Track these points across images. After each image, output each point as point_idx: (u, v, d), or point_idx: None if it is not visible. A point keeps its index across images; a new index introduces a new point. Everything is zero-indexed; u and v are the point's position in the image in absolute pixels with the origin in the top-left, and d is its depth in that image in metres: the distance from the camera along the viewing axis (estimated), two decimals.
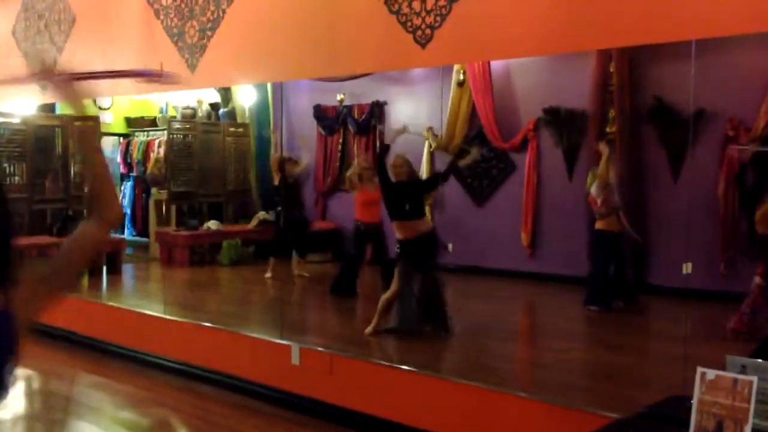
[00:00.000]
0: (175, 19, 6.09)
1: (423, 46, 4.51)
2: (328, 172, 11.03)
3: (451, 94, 9.36)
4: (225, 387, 5.71)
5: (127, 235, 12.02)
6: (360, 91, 10.21)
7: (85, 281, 8.88)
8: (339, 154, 10.91)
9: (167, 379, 6.06)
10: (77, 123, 1.73)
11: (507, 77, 9.12)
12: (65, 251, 1.65)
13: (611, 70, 8.08)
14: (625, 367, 5.48)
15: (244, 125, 11.69)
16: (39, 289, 1.57)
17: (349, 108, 10.66)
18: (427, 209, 7.74)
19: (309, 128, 11.08)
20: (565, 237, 8.49)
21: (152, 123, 12.30)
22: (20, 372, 6.30)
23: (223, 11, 5.73)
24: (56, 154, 10.02)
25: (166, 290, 8.70)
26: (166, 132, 11.22)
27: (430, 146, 9.58)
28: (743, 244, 7.16)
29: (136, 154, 12.12)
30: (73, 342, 7.14)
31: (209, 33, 5.83)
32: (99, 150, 1.82)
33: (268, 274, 8.88)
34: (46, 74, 1.70)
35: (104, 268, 9.27)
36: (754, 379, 2.07)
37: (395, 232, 6.16)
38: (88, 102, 1.77)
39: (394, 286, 6.08)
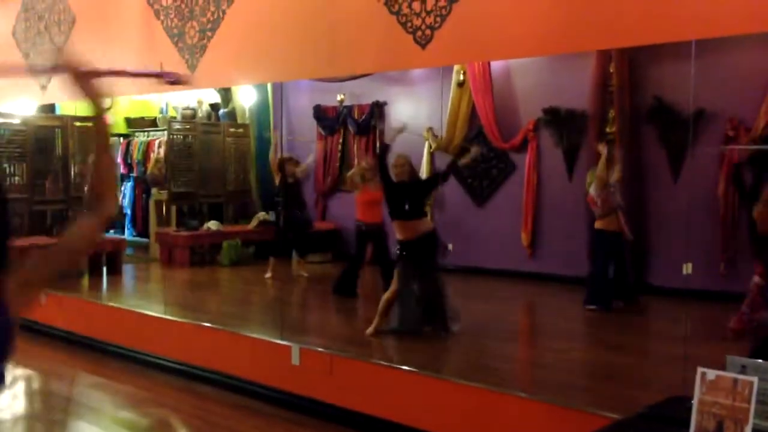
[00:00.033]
0: (175, 20, 6.09)
1: (423, 46, 4.51)
2: (328, 173, 11.03)
3: (451, 95, 9.36)
4: (225, 387, 5.71)
5: (128, 235, 12.03)
6: (360, 91, 10.22)
7: (86, 281, 8.89)
8: (339, 155, 10.91)
9: (167, 380, 6.06)
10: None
11: (507, 77, 9.12)
12: (64, 242, 1.67)
13: (611, 70, 8.08)
14: (625, 367, 5.48)
15: (244, 126, 11.70)
16: (31, 279, 1.58)
17: (349, 108, 10.66)
18: (428, 209, 7.75)
19: (309, 129, 11.08)
20: (565, 237, 8.49)
21: (152, 123, 12.31)
22: (20, 372, 6.31)
23: (223, 12, 5.73)
24: (56, 154, 10.01)
25: (166, 291, 8.70)
26: (166, 132, 11.23)
27: (430, 147, 9.58)
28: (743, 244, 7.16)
29: (136, 155, 12.13)
30: (73, 342, 7.14)
31: (209, 33, 5.83)
32: (107, 149, 1.82)
33: (268, 275, 8.88)
34: (69, 68, 1.69)
35: (104, 269, 9.27)
36: (755, 379, 2.07)
37: (395, 233, 6.17)
38: (105, 100, 1.77)
39: (393, 286, 6.08)
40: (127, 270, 10.05)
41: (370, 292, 7.73)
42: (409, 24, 4.56)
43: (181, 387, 5.87)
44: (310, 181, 10.96)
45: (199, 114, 11.75)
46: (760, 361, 2.23)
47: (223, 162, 11.39)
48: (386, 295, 6.11)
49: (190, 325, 6.36)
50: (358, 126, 10.57)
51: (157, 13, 6.25)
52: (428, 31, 4.47)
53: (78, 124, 10.08)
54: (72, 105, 10.38)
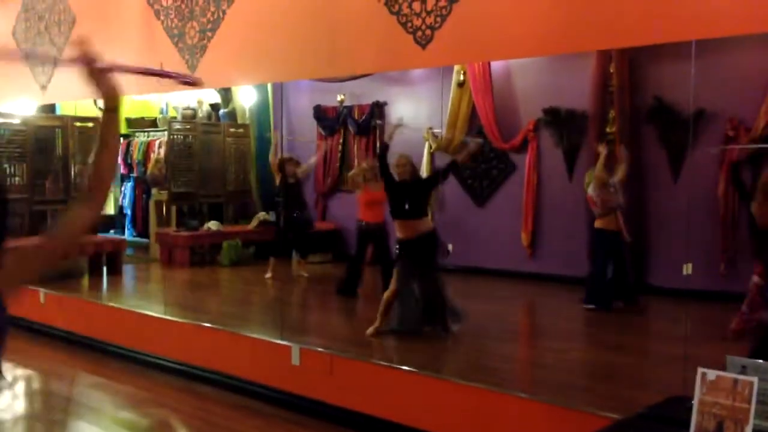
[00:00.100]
0: (176, 20, 6.09)
1: (423, 46, 4.51)
2: (328, 173, 11.03)
3: (451, 95, 9.36)
4: (225, 387, 5.71)
5: (128, 235, 12.03)
6: (360, 91, 10.22)
7: (86, 282, 8.89)
8: (339, 155, 10.91)
9: (167, 380, 6.06)
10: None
11: (507, 78, 9.12)
12: (57, 230, 1.68)
13: (611, 70, 8.08)
14: (625, 367, 5.48)
15: (244, 126, 11.70)
16: (23, 263, 1.59)
17: (350, 108, 10.66)
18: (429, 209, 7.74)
19: (309, 129, 11.08)
20: (565, 237, 8.50)
21: (153, 123, 12.31)
22: (20, 372, 6.30)
23: (224, 12, 5.73)
24: (56, 155, 10.01)
25: (166, 291, 8.69)
26: (166, 132, 11.23)
27: (431, 147, 9.58)
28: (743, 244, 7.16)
29: (136, 155, 12.13)
30: (73, 342, 7.14)
31: (209, 34, 5.82)
32: (110, 146, 1.82)
33: (268, 275, 8.89)
34: (86, 61, 1.68)
35: (104, 269, 9.27)
36: (755, 379, 2.07)
37: (396, 232, 6.17)
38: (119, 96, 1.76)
39: (392, 285, 6.08)
40: (127, 270, 10.05)
41: (371, 292, 7.73)
42: (409, 24, 4.56)
43: (181, 387, 5.87)
44: (311, 181, 10.97)
45: (200, 114, 11.75)
46: (760, 361, 2.23)
47: (224, 162, 11.40)
48: (386, 295, 6.11)
49: (190, 325, 6.36)
50: (359, 126, 10.57)
51: (157, 14, 6.25)
52: (428, 31, 4.47)
53: (78, 124, 10.08)
54: (72, 105, 10.40)
